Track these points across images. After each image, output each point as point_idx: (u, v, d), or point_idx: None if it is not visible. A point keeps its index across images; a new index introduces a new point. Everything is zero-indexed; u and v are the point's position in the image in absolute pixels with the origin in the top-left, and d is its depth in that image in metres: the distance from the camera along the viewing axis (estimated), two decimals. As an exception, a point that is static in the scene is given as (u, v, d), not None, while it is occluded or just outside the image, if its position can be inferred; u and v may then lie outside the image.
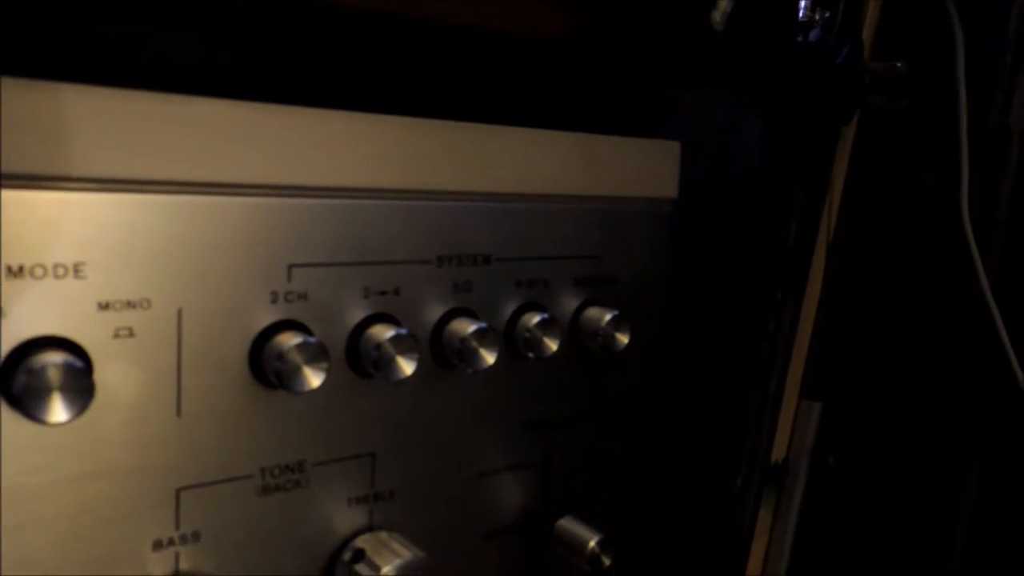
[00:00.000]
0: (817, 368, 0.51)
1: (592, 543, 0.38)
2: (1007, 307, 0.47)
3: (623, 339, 0.38)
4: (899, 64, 0.47)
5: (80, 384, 0.24)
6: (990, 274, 0.47)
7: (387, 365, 0.30)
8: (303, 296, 0.30)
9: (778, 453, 0.51)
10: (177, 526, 0.28)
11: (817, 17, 0.50)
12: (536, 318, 0.36)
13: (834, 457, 0.52)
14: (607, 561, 0.38)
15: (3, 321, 0.24)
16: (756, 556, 0.52)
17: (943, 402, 0.50)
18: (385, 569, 0.31)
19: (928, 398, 0.50)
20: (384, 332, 0.31)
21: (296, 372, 0.28)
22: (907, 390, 0.51)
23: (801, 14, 0.50)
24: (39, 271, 0.24)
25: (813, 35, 0.50)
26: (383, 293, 0.32)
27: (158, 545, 0.28)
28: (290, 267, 0.29)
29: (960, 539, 0.50)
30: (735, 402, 0.50)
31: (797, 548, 0.53)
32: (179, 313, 0.27)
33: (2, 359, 0.24)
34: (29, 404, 0.23)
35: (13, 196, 0.24)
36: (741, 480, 0.51)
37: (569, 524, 0.39)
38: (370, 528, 0.33)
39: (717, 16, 0.38)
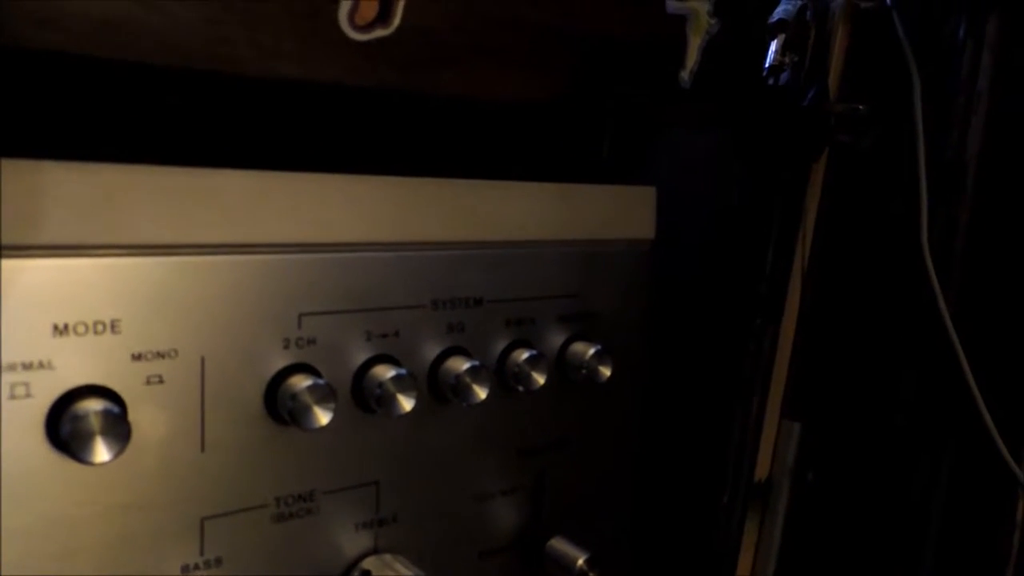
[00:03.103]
0: (796, 390, 0.53)
1: (580, 561, 0.40)
2: (966, 329, 0.49)
3: (606, 371, 0.40)
4: (861, 107, 0.51)
5: (118, 428, 0.27)
6: (949, 297, 0.49)
7: (389, 402, 0.33)
8: (312, 341, 0.33)
9: (761, 471, 0.53)
10: (202, 552, 0.31)
11: (787, 60, 0.53)
12: (525, 354, 0.38)
13: (813, 473, 0.55)
14: (594, 577, 0.41)
15: (51, 373, 0.27)
16: (744, 568, 0.55)
17: (911, 421, 0.52)
18: (390, 588, 0.34)
19: (897, 417, 0.53)
20: (386, 372, 0.33)
21: (307, 411, 0.31)
22: (878, 410, 0.53)
23: (772, 58, 0.53)
24: (81, 328, 0.27)
25: (783, 78, 0.53)
26: (384, 336, 0.35)
27: (185, 569, 0.31)
28: (300, 316, 0.32)
29: (929, 548, 0.53)
30: (720, 423, 0.52)
31: (782, 560, 0.55)
32: (202, 361, 0.30)
33: (49, 407, 0.27)
34: (75, 447, 0.26)
35: (60, 263, 0.27)
36: (727, 497, 0.53)
37: (559, 543, 0.41)
38: (375, 551, 0.36)
39: (685, 75, 0.41)
